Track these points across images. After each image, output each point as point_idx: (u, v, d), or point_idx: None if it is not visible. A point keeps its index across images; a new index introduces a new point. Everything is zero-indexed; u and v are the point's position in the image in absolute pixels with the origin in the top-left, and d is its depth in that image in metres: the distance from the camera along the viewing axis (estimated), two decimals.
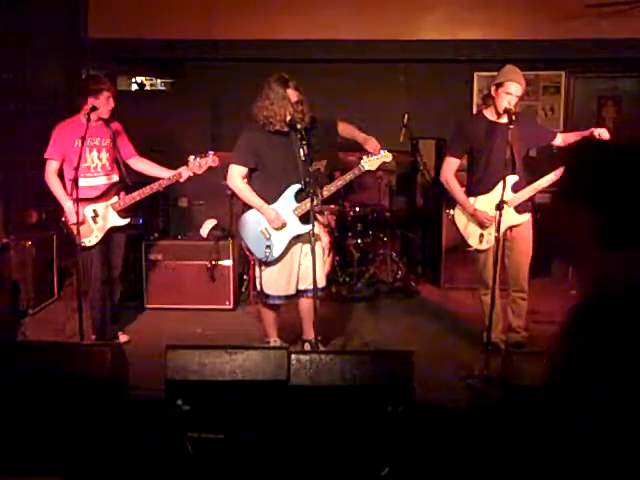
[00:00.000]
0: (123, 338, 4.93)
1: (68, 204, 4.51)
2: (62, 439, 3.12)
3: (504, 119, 4.23)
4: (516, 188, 4.35)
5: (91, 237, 4.52)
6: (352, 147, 4.93)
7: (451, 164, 4.47)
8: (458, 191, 4.46)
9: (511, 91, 4.20)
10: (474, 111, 7.10)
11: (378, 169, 4.45)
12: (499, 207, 4.07)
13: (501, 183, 4.19)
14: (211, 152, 4.54)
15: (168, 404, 3.08)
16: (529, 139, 4.42)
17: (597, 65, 6.92)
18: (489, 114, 4.40)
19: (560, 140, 4.49)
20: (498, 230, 4.09)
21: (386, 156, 4.35)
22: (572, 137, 4.42)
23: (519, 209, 4.38)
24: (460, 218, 4.51)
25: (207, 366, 3.13)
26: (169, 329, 5.19)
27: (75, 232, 4.44)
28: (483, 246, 4.38)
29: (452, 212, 6.08)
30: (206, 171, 4.58)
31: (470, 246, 4.47)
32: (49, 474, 3.04)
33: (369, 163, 4.33)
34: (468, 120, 4.66)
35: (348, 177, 4.39)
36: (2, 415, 3.15)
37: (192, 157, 4.54)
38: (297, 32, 6.62)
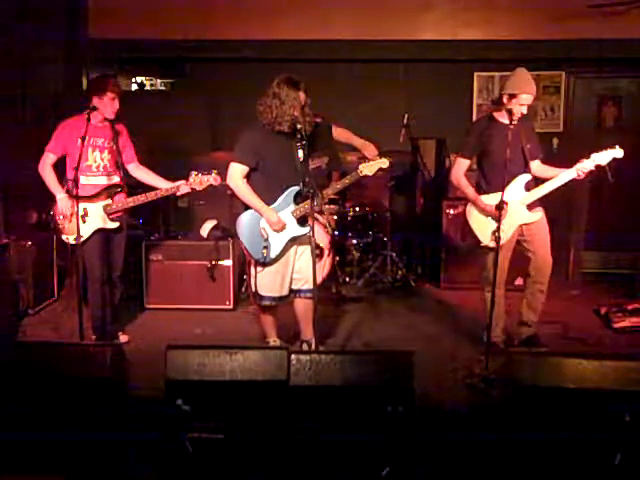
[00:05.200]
0: (123, 338, 4.93)
1: (60, 195, 4.54)
2: (62, 439, 3.12)
3: (515, 121, 4.32)
4: (528, 187, 4.45)
5: (75, 235, 4.50)
6: (352, 148, 4.94)
7: (461, 164, 4.57)
8: (469, 190, 4.55)
9: (524, 103, 4.31)
10: (474, 111, 7.14)
11: (376, 173, 4.46)
12: (499, 207, 4.16)
13: (513, 182, 4.38)
14: (214, 170, 4.53)
15: (168, 404, 3.08)
16: (533, 146, 4.50)
17: (597, 65, 6.92)
18: (499, 116, 4.47)
19: (536, 167, 4.52)
20: (498, 229, 4.16)
21: (383, 162, 4.39)
22: (550, 172, 4.48)
23: (531, 207, 4.47)
24: (472, 216, 4.58)
25: (207, 366, 3.13)
26: (169, 329, 5.20)
27: (61, 226, 4.60)
28: (494, 243, 4.41)
29: (452, 212, 6.18)
30: (206, 188, 4.57)
31: (481, 242, 4.53)
32: (50, 473, 3.04)
33: (367, 168, 4.35)
34: (479, 122, 4.74)
35: (346, 181, 4.44)
36: (2, 415, 3.15)
37: (194, 173, 4.53)
38: (297, 32, 6.60)
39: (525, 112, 4.34)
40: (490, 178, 4.51)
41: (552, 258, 4.57)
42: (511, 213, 4.40)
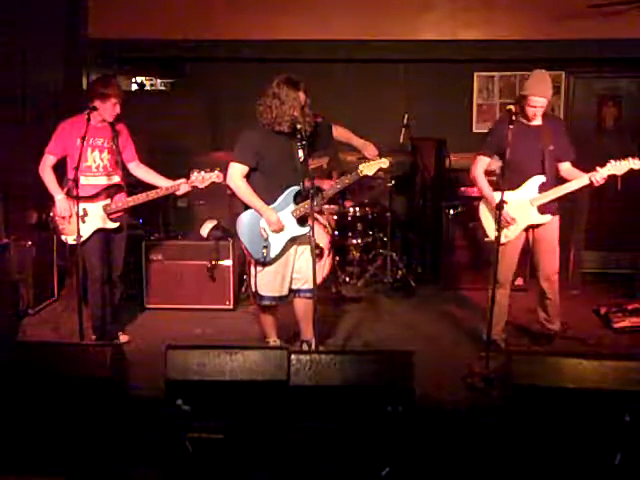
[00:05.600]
0: (123, 338, 4.93)
1: (59, 197, 4.54)
2: (63, 439, 3.12)
3: (536, 121, 4.42)
4: (542, 189, 4.47)
5: (75, 235, 4.49)
6: (352, 148, 4.94)
7: (481, 162, 4.63)
8: (485, 187, 4.60)
9: (534, 105, 4.35)
10: (474, 111, 7.14)
11: (376, 173, 4.46)
12: (499, 207, 4.21)
13: (526, 182, 4.46)
14: (217, 168, 4.51)
15: (168, 404, 3.08)
16: (558, 148, 4.49)
17: (597, 65, 6.91)
18: (520, 116, 4.49)
19: (565, 169, 4.54)
20: (498, 228, 4.21)
21: (383, 162, 4.37)
22: (576, 174, 4.49)
23: (542, 209, 4.49)
24: (484, 211, 4.65)
25: (207, 366, 3.13)
26: (169, 329, 5.19)
27: (60, 226, 4.61)
28: (501, 240, 4.44)
29: (452, 212, 6.21)
30: (209, 186, 4.56)
31: (489, 237, 4.60)
32: (50, 474, 3.04)
33: (367, 168, 4.33)
34: (500, 121, 4.76)
35: (346, 181, 4.42)
36: (2, 415, 3.15)
37: (196, 171, 4.52)
38: (297, 32, 6.60)
39: (538, 114, 4.37)
40: (507, 177, 4.49)
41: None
42: (519, 213, 4.45)
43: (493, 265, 4.33)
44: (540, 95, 4.33)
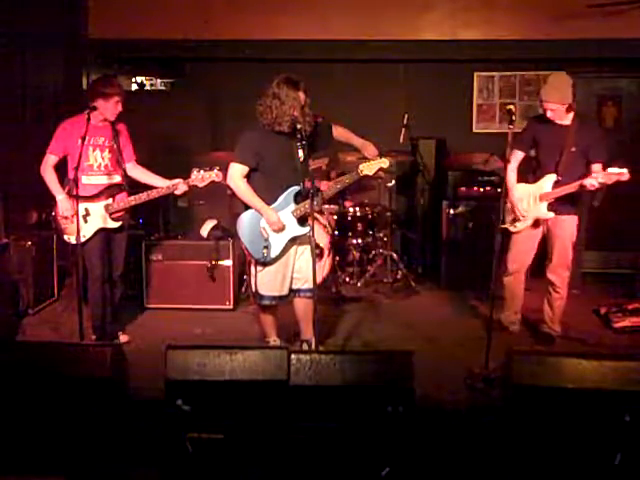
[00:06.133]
0: (123, 338, 4.93)
1: (60, 197, 4.54)
2: (63, 439, 3.12)
3: (564, 121, 4.48)
4: (555, 187, 4.59)
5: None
6: (352, 148, 4.94)
7: (514, 155, 4.73)
8: (509, 178, 4.68)
9: (548, 108, 4.45)
10: (474, 111, 7.15)
11: (376, 173, 4.46)
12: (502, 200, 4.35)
13: (542, 179, 4.60)
14: (216, 167, 4.51)
15: (168, 404, 3.08)
16: (583, 150, 4.51)
17: (597, 65, 6.91)
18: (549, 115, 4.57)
19: (595, 170, 4.51)
20: (501, 218, 4.34)
21: (383, 162, 4.38)
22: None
23: (552, 207, 4.60)
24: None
25: (207, 366, 3.13)
26: (169, 329, 5.19)
27: (63, 226, 4.62)
28: (512, 229, 4.72)
29: (452, 212, 6.21)
30: (209, 185, 4.56)
31: (503, 223, 4.66)
32: (50, 474, 3.04)
33: (367, 168, 4.34)
34: (535, 118, 4.83)
35: (346, 181, 4.42)
36: (2, 415, 3.15)
37: (196, 170, 4.52)
38: (297, 32, 6.60)
39: (553, 115, 4.43)
40: (532, 170, 4.71)
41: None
42: (529, 206, 4.63)
43: (496, 253, 4.36)
44: (552, 102, 4.39)
